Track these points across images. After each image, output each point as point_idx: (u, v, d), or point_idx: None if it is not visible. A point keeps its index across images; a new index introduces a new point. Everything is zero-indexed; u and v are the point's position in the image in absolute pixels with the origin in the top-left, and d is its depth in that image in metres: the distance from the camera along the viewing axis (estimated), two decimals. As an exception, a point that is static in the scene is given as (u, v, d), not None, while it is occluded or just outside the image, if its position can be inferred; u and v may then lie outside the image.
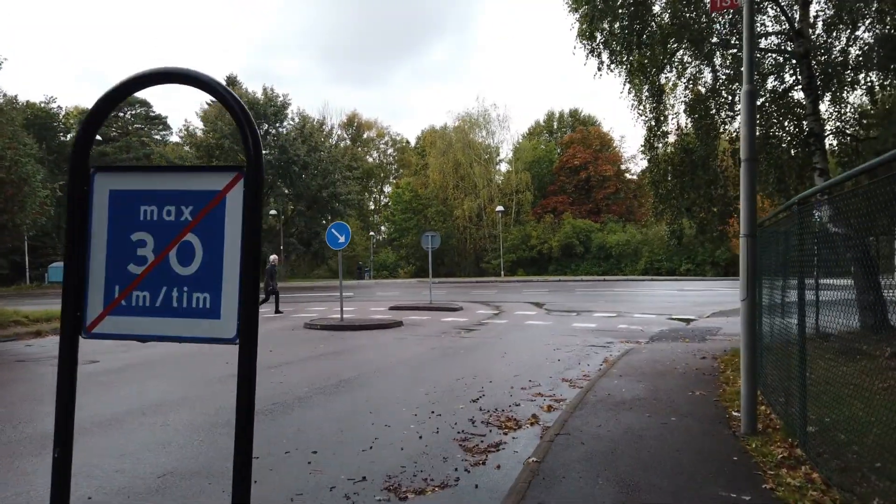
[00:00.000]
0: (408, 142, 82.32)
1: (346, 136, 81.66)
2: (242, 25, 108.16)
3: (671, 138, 13.47)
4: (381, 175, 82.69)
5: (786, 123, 12.56)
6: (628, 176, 58.18)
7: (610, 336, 14.23)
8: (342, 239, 16.46)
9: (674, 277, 42.27)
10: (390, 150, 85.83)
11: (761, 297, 7.46)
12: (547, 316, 18.97)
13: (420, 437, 6.04)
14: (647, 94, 13.29)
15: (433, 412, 7.02)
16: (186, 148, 48.93)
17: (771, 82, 13.04)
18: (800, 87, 12.15)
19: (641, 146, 13.38)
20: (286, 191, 50.26)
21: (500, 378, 9.12)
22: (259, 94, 48.52)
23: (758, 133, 13.67)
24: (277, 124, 48.47)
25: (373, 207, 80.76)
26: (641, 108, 13.38)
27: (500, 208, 47.80)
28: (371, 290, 35.82)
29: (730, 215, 13.33)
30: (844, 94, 12.69)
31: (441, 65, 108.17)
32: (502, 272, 48.30)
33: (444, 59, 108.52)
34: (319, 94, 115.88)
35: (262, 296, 20.61)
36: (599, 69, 12.57)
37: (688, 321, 17.31)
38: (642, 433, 5.79)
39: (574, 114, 68.81)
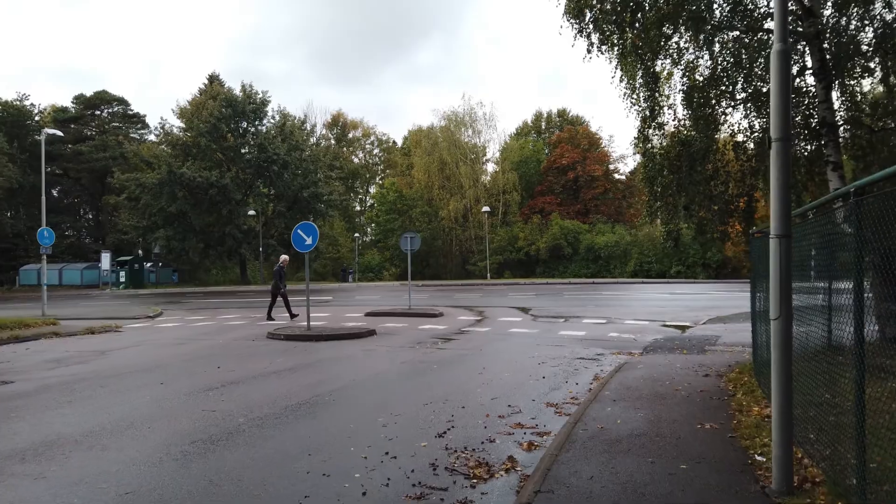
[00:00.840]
0: (395, 142, 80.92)
1: (330, 135, 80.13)
2: (230, 25, 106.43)
3: (668, 128, 12.27)
4: (367, 176, 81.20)
5: (793, 113, 11.37)
6: (617, 176, 57.22)
7: (600, 346, 13.00)
8: (309, 241, 15.12)
9: (664, 280, 41.24)
10: (376, 151, 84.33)
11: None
12: (533, 323, 17.72)
13: (364, 494, 4.74)
14: (640, 80, 12.08)
15: (387, 453, 5.72)
16: (163, 147, 47.26)
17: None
18: (810, 71, 10.99)
19: (635, 138, 12.17)
20: (266, 190, 48.74)
21: (475, 403, 7.84)
22: (237, 91, 46.98)
23: (761, 125, 12.52)
24: (257, 122, 46.92)
25: (358, 209, 79.21)
26: (635, 96, 12.16)
27: (486, 209, 46.58)
28: (351, 293, 34.44)
29: (731, 214, 12.14)
30: (855, 82, 11.53)
31: (430, 66, 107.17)
32: (488, 274, 47.08)
33: (433, 60, 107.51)
34: (308, 95, 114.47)
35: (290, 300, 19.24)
36: (589, 51, 11.33)
37: (683, 328, 16.14)
38: (646, 490, 4.52)
39: (562, 114, 67.84)
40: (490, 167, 59.15)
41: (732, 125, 12.25)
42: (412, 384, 9.23)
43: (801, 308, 5.92)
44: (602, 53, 11.34)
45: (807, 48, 10.93)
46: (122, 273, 46.71)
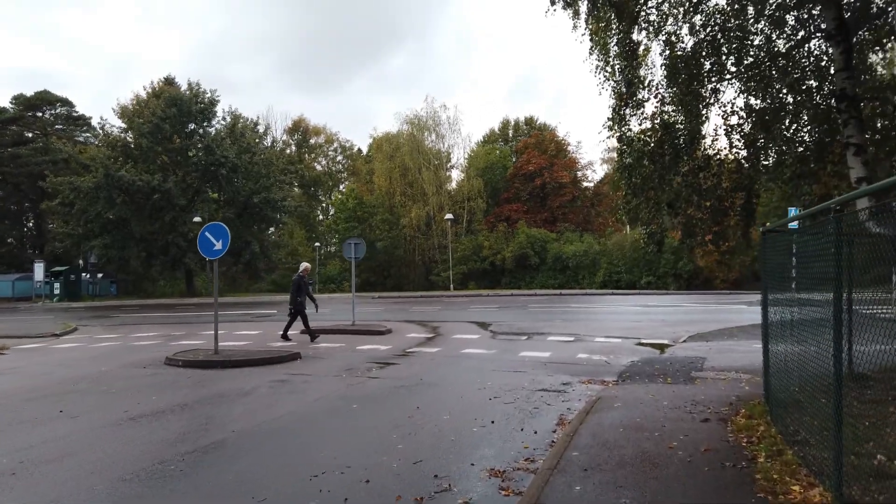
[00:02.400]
0: (360, 150, 78.29)
1: (291, 141, 77.16)
2: (197, 30, 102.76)
3: (648, 108, 10.10)
4: (330, 183, 78.33)
5: (803, 88, 9.29)
6: (585, 184, 55.57)
7: (567, 373, 10.74)
8: (218, 245, 12.56)
9: (635, 291, 39.42)
10: (340, 157, 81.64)
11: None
12: (491, 341, 15.41)
13: None
14: (615, 49, 9.91)
15: None
16: (102, 147, 43.80)
17: (783, 36, 9.76)
18: (822, 34, 8.94)
19: (608, 119, 9.96)
20: (215, 196, 45.66)
21: (387, 472, 5.44)
22: (185, 89, 43.93)
23: (760, 105, 10.46)
24: (205, 123, 43.91)
25: (321, 217, 76.16)
26: (608, 69, 9.98)
27: (449, 216, 44.25)
28: (300, 306, 31.73)
29: (725, 213, 9.97)
30: (877, 53, 9.55)
31: (401, 75, 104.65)
32: (451, 285, 44.73)
33: (402, 69, 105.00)
34: (276, 103, 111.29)
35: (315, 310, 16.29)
36: (553, 3, 9.10)
37: (662, 348, 14.01)
38: None
39: (530, 121, 66.10)
40: (455, 173, 57.05)
41: (724, 105, 10.09)
42: (311, 439, 6.77)
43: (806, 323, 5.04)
44: (568, 5, 9.12)
45: (820, 8, 8.89)
46: (57, 284, 43.17)
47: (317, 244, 60.00)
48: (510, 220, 49.89)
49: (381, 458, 5.82)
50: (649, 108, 10.05)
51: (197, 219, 41.51)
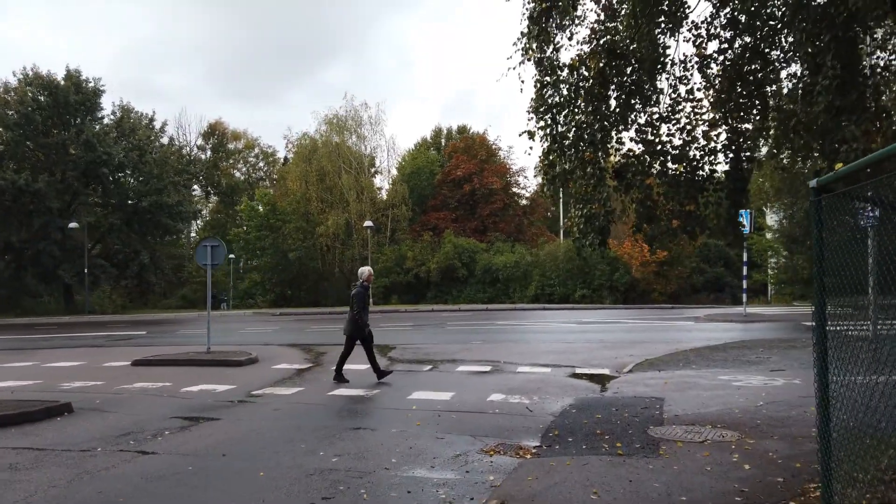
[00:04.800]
0: (286, 158, 73.35)
1: (206, 145, 71.52)
2: (121, 38, 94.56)
3: (582, 30, 6.46)
4: (251, 192, 72.88)
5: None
6: (516, 190, 52.60)
7: (468, 431, 7.04)
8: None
9: (568, 305, 36.31)
10: (262, 164, 76.51)
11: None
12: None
13: None
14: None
15: None
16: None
17: None
18: None
19: (522, 34, 6.25)
20: (103, 200, 40.06)
21: None
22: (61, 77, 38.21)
23: (747, 20, 7.04)
24: (88, 116, 38.35)
25: (243, 228, 70.50)
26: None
27: (368, 223, 40.11)
28: (179, 327, 27.03)
29: (702, 186, 6.41)
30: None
31: (336, 88, 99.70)
32: (371, 300, 40.51)
33: (341, 81, 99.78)
34: (208, 112, 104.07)
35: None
36: None
37: (603, 381, 10.57)
38: None
39: (462, 130, 62.96)
40: (378, 179, 53.04)
41: (699, 26, 6.59)
42: None
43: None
44: None
45: None
46: None
47: (231, 256, 54.56)
48: (437, 230, 46.22)
49: None
50: (586, 23, 6.47)
51: (73, 224, 35.93)
